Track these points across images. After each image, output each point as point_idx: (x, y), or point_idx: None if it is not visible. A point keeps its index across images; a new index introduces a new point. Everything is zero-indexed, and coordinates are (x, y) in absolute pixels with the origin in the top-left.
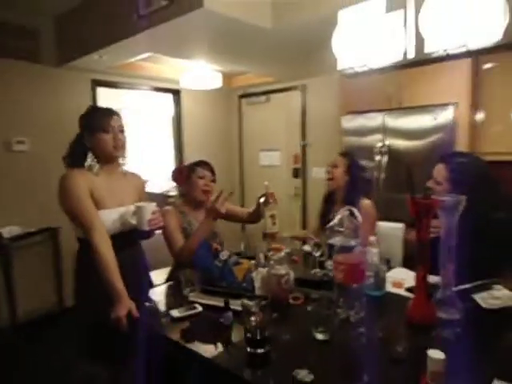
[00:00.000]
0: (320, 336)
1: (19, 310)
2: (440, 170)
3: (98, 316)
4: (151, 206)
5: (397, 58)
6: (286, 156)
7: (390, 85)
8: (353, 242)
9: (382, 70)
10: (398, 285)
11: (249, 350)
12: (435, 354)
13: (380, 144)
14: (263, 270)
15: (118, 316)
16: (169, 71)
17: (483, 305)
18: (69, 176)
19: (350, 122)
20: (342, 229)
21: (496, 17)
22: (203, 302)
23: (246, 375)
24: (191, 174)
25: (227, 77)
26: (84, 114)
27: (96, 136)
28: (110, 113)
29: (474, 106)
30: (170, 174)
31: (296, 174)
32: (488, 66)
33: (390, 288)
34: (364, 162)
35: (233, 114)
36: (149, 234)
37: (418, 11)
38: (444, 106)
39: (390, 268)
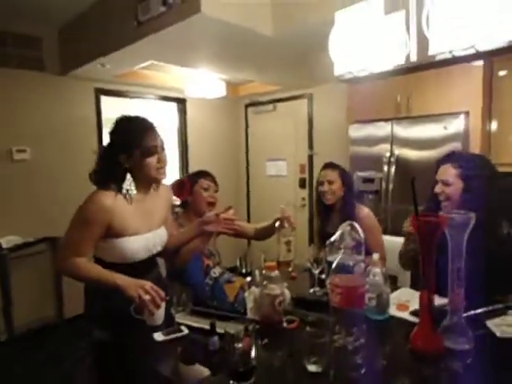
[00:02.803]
0: (312, 368)
1: (17, 322)
2: (448, 170)
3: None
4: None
5: (398, 60)
6: (293, 166)
7: (399, 92)
8: (352, 261)
9: (385, 75)
10: (402, 307)
11: (231, 383)
12: None
13: (388, 154)
14: (256, 290)
15: (131, 296)
16: (173, 80)
17: (497, 333)
18: (95, 198)
19: (358, 131)
20: (342, 245)
21: (509, 14)
22: (190, 323)
23: None
24: (194, 186)
25: (233, 86)
26: (117, 129)
27: (137, 158)
28: (151, 129)
29: (487, 115)
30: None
31: (303, 183)
32: (503, 72)
33: (393, 311)
34: (372, 173)
35: (239, 123)
36: None
37: (420, 10)
38: (455, 114)
39: (395, 288)
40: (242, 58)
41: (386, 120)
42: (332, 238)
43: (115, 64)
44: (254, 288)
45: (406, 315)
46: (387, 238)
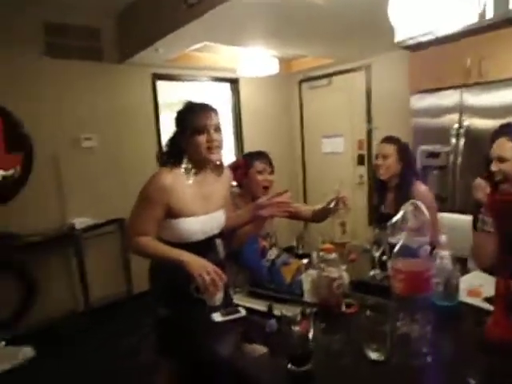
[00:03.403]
0: (373, 355)
1: (92, 296)
2: (503, 144)
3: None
4: None
5: (471, 19)
6: (350, 142)
7: (469, 55)
8: (416, 243)
9: (453, 37)
10: (474, 293)
11: (289, 366)
12: None
13: (456, 125)
14: (313, 272)
15: (193, 275)
16: (226, 60)
17: None
18: (156, 178)
19: (421, 102)
20: (405, 226)
21: None
22: (247, 305)
23: None
24: (249, 168)
25: (286, 62)
26: (179, 111)
27: (189, 136)
28: (205, 110)
29: None
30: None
31: (361, 160)
32: None
33: (464, 297)
34: (437, 146)
35: (293, 100)
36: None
37: None
38: None
39: (465, 272)
40: (293, 32)
41: (453, 88)
42: (394, 219)
43: (168, 48)
44: (311, 270)
45: (478, 302)
46: (456, 217)
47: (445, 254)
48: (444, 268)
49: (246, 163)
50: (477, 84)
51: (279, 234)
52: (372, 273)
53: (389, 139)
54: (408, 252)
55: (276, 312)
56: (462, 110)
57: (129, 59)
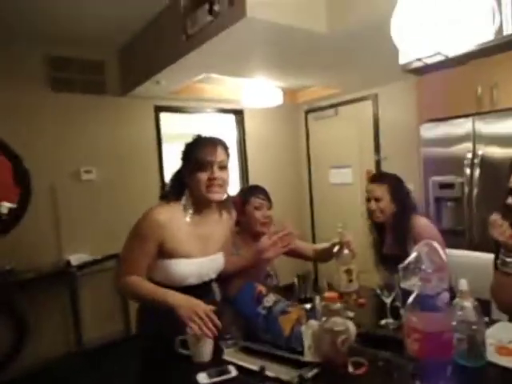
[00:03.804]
0: None
1: (87, 336)
2: None
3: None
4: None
5: (485, 36)
6: (359, 172)
7: (479, 82)
8: (433, 291)
9: (462, 59)
10: (505, 351)
11: None
12: None
13: (470, 155)
14: (315, 324)
15: (183, 319)
16: (230, 92)
17: None
18: (150, 213)
19: (431, 131)
20: (418, 270)
21: None
22: (239, 363)
23: None
24: (246, 205)
25: (291, 92)
26: (186, 144)
27: (191, 172)
28: (211, 144)
29: None
30: None
31: None
32: None
33: (492, 355)
34: (451, 177)
35: (299, 130)
36: None
37: None
38: None
39: (489, 323)
40: (297, 62)
41: (465, 116)
42: (406, 261)
43: (169, 80)
44: (312, 321)
45: (510, 362)
46: (473, 254)
47: (467, 303)
48: (467, 321)
49: (242, 200)
50: (489, 112)
51: (280, 272)
52: (384, 322)
53: (378, 179)
54: (424, 302)
55: (269, 373)
56: (475, 138)
57: (131, 92)
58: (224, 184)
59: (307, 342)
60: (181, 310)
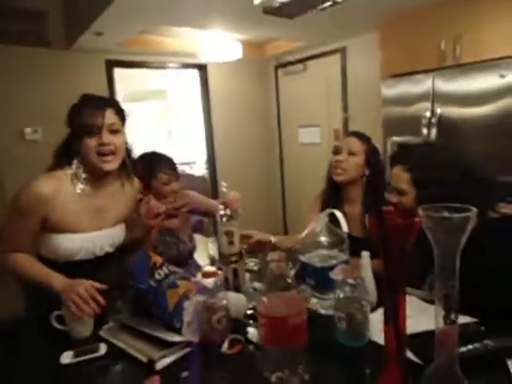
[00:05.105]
0: None
1: None
2: (400, 176)
3: None
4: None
5: None
6: (327, 132)
7: (443, 35)
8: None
9: None
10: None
11: None
12: None
13: (428, 113)
14: (199, 300)
15: (63, 296)
16: (190, 45)
17: None
18: (32, 186)
19: (392, 89)
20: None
21: None
22: (110, 340)
23: None
24: (152, 180)
25: (258, 45)
26: (72, 105)
27: (78, 138)
28: (99, 105)
29: None
30: None
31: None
32: None
33: (377, 336)
34: (409, 138)
35: (269, 87)
36: None
37: None
38: None
39: None
40: (255, 13)
41: (425, 72)
42: (304, 232)
43: (110, 30)
44: (198, 297)
45: None
46: None
47: (351, 280)
48: (351, 298)
49: (148, 175)
50: (449, 67)
51: None
52: None
53: (359, 134)
54: (316, 274)
55: (132, 352)
56: (434, 96)
57: (75, 44)
58: (117, 151)
59: (186, 318)
60: (60, 285)
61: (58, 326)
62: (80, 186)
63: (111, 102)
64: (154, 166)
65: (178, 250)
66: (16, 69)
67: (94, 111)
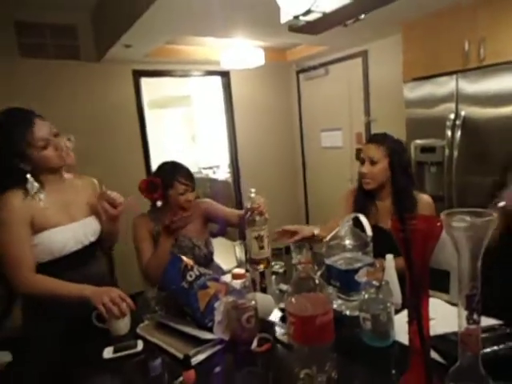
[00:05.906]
0: None
1: None
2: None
3: None
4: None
5: None
6: (349, 135)
7: (467, 36)
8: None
9: (345, 14)
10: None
11: None
12: None
13: (452, 115)
14: (229, 300)
15: (98, 304)
16: (213, 53)
17: None
18: (4, 200)
19: (414, 91)
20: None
21: None
22: (147, 337)
23: None
24: (170, 189)
25: (280, 51)
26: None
27: (32, 155)
28: (32, 120)
29: None
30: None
31: (359, 155)
32: None
33: (402, 336)
34: (433, 140)
35: (291, 92)
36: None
37: None
38: None
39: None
40: (274, 18)
41: (448, 74)
42: (329, 236)
43: (138, 42)
44: (228, 297)
45: None
46: None
47: (374, 282)
48: (377, 300)
49: (165, 182)
50: (474, 69)
51: None
52: None
53: (377, 139)
54: (342, 277)
55: (169, 349)
56: (458, 98)
57: (104, 56)
58: (67, 149)
59: (217, 318)
60: (91, 295)
61: (99, 324)
62: (40, 197)
63: (33, 112)
64: (170, 175)
65: (193, 254)
66: (46, 80)
67: (35, 127)
